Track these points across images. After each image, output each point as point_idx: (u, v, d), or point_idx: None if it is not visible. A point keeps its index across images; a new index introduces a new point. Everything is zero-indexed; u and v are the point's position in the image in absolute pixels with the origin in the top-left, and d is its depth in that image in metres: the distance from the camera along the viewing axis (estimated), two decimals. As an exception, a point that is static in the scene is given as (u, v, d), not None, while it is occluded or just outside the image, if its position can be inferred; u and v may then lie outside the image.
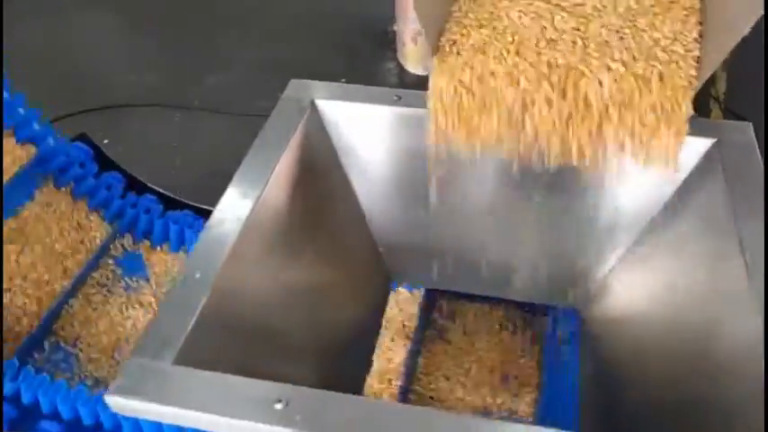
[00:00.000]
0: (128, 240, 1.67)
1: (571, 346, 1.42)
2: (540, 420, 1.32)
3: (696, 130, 1.02)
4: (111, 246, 1.65)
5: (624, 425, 1.16)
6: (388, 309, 1.50)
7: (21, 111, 1.60)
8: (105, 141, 2.17)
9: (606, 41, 1.02)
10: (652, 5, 1.08)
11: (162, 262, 1.64)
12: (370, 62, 2.69)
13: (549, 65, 1.00)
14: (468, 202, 1.31)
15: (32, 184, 1.59)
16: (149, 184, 1.75)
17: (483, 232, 1.35)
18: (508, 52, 1.02)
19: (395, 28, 2.64)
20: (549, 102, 1.00)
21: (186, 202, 1.71)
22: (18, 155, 1.56)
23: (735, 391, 0.92)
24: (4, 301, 1.45)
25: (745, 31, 0.91)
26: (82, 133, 1.79)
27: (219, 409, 0.79)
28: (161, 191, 1.74)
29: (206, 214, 1.08)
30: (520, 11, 1.08)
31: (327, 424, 0.77)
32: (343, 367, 1.32)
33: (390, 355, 1.44)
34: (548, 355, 1.43)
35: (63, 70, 2.65)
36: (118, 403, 0.81)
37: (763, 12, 0.88)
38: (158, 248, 1.66)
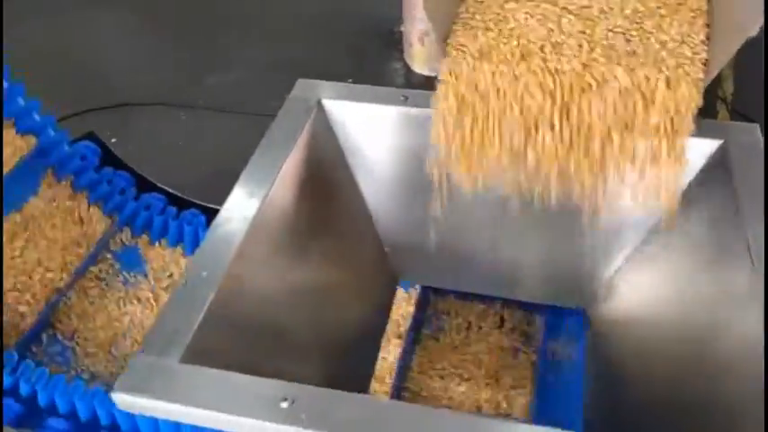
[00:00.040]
0: (126, 234, 1.67)
1: (577, 345, 1.42)
2: (535, 420, 1.32)
3: (703, 131, 1.02)
4: (111, 240, 1.65)
5: (629, 424, 1.16)
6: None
7: (20, 101, 1.59)
8: (113, 140, 2.18)
9: (612, 45, 1.02)
10: (659, 7, 1.07)
11: (159, 257, 1.64)
12: (376, 62, 2.70)
13: (555, 71, 0.99)
14: (475, 203, 1.31)
15: (35, 177, 1.58)
16: (158, 184, 1.75)
17: (490, 232, 1.35)
18: (513, 56, 1.01)
19: (401, 28, 2.64)
20: (551, 126, 1.00)
21: (193, 201, 1.72)
22: (18, 145, 1.55)
23: (739, 392, 0.92)
24: (6, 297, 1.45)
25: (753, 31, 0.91)
26: (89, 132, 1.79)
27: (225, 406, 0.79)
28: (169, 190, 1.75)
29: (213, 213, 1.08)
30: (526, 13, 1.07)
31: (333, 423, 0.78)
32: (348, 366, 1.32)
33: (384, 353, 1.44)
34: (544, 355, 1.43)
35: (68, 70, 2.66)
36: (125, 401, 0.81)
37: None
38: (156, 244, 1.66)
